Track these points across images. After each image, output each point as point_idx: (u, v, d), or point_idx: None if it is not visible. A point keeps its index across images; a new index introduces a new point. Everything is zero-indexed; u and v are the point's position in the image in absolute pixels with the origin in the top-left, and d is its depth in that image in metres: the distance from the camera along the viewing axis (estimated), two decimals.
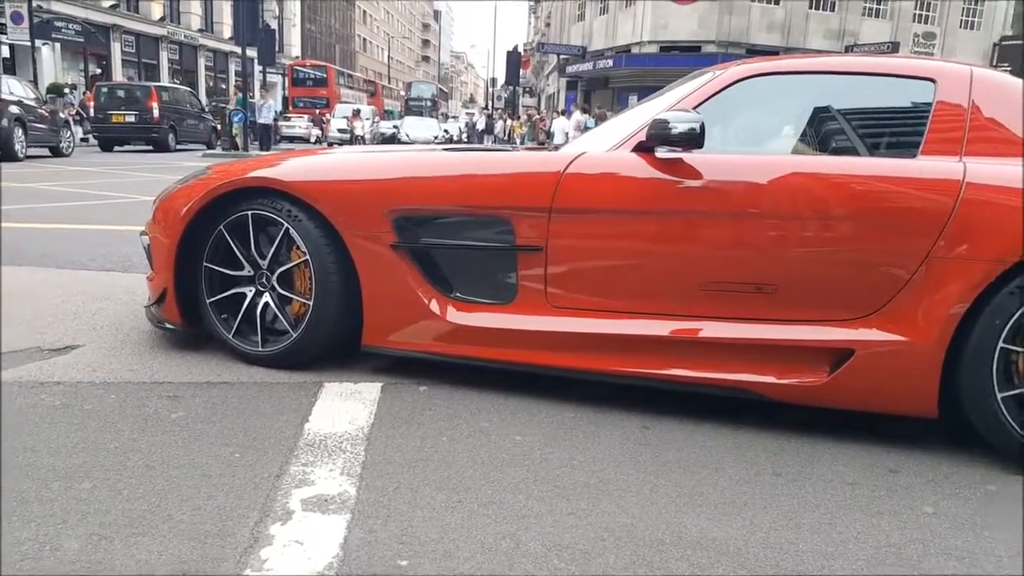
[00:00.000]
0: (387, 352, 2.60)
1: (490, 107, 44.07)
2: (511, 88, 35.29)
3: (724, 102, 2.44)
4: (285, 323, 2.63)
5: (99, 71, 29.29)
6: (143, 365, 2.63)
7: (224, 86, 37.33)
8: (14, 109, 12.54)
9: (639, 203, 2.34)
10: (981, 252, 2.06)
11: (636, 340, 2.35)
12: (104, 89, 19.06)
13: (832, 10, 28.82)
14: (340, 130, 26.71)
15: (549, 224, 2.38)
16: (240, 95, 18.98)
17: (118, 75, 29.39)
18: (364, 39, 71.51)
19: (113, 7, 29.65)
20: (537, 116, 29.20)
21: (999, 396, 2.06)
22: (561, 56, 34.40)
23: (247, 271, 2.69)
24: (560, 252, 2.39)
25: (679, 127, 2.24)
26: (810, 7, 28.51)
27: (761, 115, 2.62)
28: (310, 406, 2.32)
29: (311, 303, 2.56)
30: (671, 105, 2.43)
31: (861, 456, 2.16)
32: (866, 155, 2.38)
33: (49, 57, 26.46)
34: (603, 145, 2.49)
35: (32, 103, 13.60)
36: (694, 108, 2.38)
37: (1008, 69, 28.02)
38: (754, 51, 25.59)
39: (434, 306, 2.50)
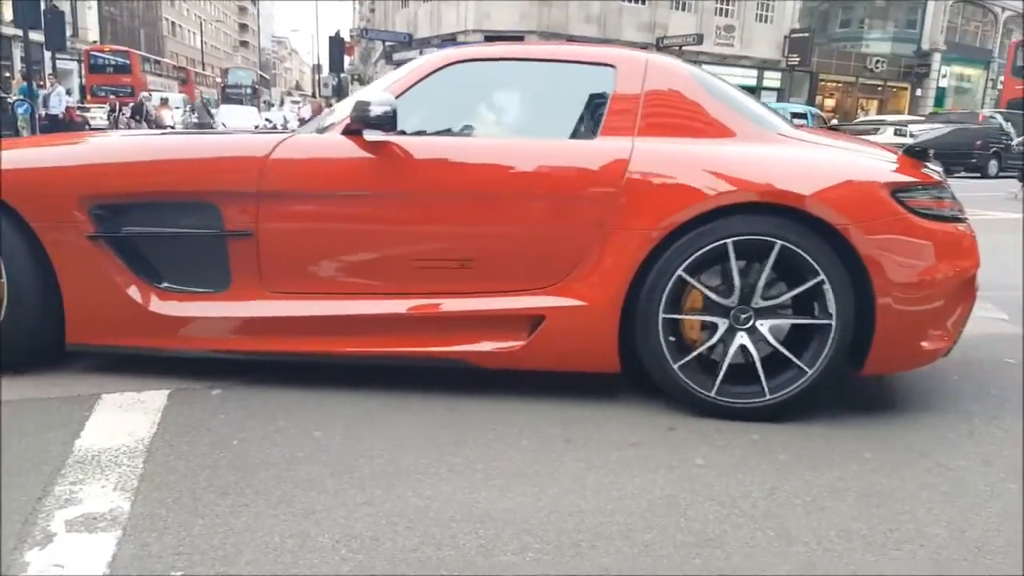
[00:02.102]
0: (94, 350, 2.49)
1: (317, 95, 42.38)
2: (338, 75, 34.15)
3: (432, 86, 2.53)
4: None
5: None
6: None
7: (8, 75, 33.03)
8: None
9: (346, 185, 2.39)
10: (641, 223, 2.28)
11: (355, 320, 2.40)
12: None
13: (643, 3, 30.52)
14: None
15: (258, 208, 2.36)
16: (24, 83, 16.96)
17: None
18: (173, 23, 66.02)
19: None
20: None
21: (674, 365, 2.29)
22: (388, 43, 33.80)
23: None
24: (272, 236, 2.39)
25: (376, 110, 2.30)
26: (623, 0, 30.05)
27: (465, 99, 2.71)
28: (83, 420, 2.13)
29: (4, 281, 2.36)
30: (382, 89, 2.49)
31: (644, 417, 2.33)
32: (555, 137, 2.55)
33: None
34: (317, 128, 2.51)
35: None
36: (402, 92, 2.46)
37: (797, 59, 31.11)
38: (574, 41, 26.57)
39: (139, 298, 2.41)
